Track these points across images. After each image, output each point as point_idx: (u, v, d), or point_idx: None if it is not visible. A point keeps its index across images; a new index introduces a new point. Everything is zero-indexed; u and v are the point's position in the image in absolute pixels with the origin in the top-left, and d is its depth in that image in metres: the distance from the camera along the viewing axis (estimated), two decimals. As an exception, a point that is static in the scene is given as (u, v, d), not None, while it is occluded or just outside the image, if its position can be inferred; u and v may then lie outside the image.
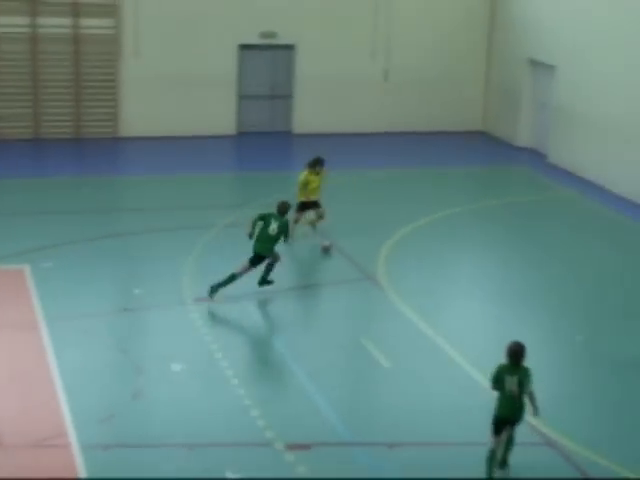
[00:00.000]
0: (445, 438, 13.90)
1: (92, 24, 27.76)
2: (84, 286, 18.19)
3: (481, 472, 12.93)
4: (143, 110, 28.64)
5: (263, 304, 18.03)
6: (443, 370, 15.91)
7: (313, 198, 20.84)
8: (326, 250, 20.47)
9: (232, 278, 17.87)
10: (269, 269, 18.22)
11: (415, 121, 30.54)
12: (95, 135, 28.44)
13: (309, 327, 17.38)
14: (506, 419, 12.88)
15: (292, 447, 13.44)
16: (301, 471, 12.92)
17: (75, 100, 28.10)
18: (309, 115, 28.14)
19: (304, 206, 20.87)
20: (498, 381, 12.87)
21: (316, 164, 20.82)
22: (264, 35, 29.30)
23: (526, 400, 12.84)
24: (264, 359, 16.23)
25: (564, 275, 19.94)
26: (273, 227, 17.95)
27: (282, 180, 25.56)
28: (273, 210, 18.20)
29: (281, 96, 30.02)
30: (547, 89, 28.44)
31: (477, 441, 13.77)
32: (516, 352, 12.82)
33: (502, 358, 15.73)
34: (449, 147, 29.37)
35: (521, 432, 13.41)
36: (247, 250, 19.87)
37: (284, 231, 18.08)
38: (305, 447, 13.47)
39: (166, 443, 13.49)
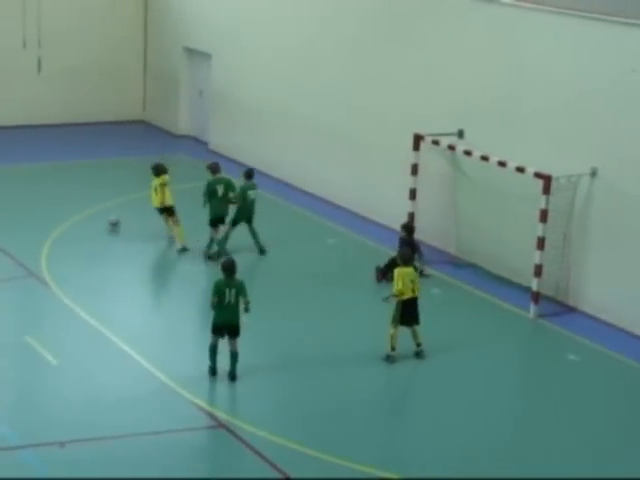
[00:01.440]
0: (119, 430, 13.69)
1: None
2: None
3: (158, 463, 12.90)
4: None
5: None
6: (112, 362, 15.69)
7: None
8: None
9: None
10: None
11: (74, 112, 29.84)
12: None
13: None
14: (225, 325, 14.98)
15: (-46, 457, 12.76)
16: (-34, 481, 12.29)
17: None
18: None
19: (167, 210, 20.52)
20: (218, 294, 14.84)
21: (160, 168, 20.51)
22: None
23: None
24: None
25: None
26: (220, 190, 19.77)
27: None
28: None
29: None
30: (204, 77, 28.70)
31: (151, 430, 13.70)
32: (229, 267, 15.00)
33: (171, 344, 15.82)
34: (109, 138, 28.91)
35: (196, 417, 13.50)
36: None
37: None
38: (-31, 455, 12.84)
39: None
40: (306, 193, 24.58)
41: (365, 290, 19.04)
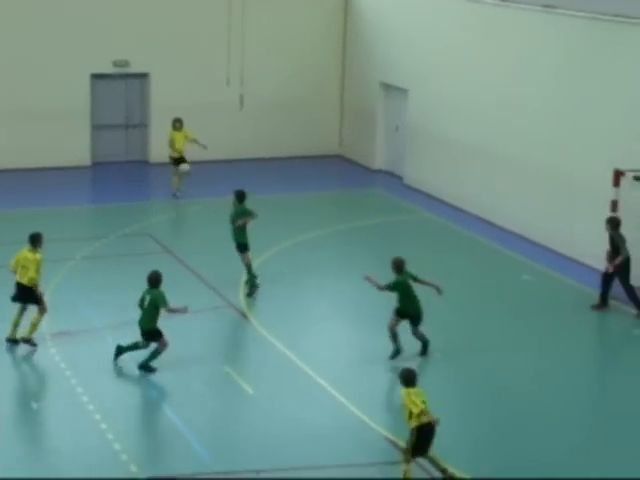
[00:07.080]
0: (312, 462, 13.88)
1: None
2: None
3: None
4: (-7, 144, 28.00)
5: (123, 336, 17.68)
6: (307, 394, 15.91)
7: (177, 155, 25.92)
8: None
9: None
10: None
11: (273, 147, 30.60)
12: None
13: (170, 356, 17.09)
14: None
15: (157, 480, 13.23)
16: (167, 504, 12.72)
17: None
18: (166, 144, 27.88)
19: (175, 161, 25.94)
20: None
21: (175, 123, 25.96)
22: (117, 64, 28.98)
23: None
24: (125, 391, 15.93)
25: (419, 294, 20.18)
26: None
27: (139, 210, 25.27)
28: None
29: (136, 125, 29.71)
30: (400, 112, 28.91)
31: (345, 463, 13.82)
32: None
33: (365, 377, 15.85)
34: (306, 172, 29.48)
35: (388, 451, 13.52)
36: (106, 280, 19.55)
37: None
38: None
39: (25, 483, 13.12)
40: (501, 229, 24.36)
41: (568, 330, 18.72)
